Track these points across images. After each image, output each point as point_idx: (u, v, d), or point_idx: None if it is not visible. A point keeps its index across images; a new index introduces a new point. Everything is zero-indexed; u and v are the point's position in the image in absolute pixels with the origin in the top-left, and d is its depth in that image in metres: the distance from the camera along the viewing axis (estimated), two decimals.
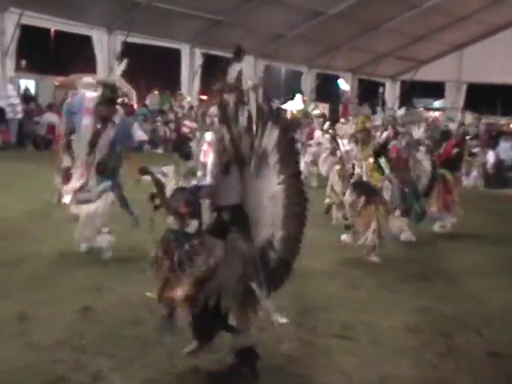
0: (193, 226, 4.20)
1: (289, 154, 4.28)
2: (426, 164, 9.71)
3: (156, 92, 26.10)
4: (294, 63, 29.19)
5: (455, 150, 10.54)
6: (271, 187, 4.24)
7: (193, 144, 15.59)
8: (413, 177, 9.40)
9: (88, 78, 8.15)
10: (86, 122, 7.07)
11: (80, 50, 23.30)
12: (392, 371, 4.73)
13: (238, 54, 4.31)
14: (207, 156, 4.20)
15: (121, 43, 22.57)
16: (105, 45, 22.26)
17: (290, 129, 4.76)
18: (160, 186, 4.30)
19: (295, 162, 4.39)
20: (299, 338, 5.27)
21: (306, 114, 18.41)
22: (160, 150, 22.56)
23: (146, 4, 21.21)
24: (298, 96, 25.85)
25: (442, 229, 10.39)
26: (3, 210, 9.56)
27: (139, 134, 22.13)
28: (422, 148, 9.77)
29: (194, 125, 23.52)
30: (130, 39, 22.74)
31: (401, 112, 13.13)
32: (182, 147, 22.78)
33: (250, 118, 4.08)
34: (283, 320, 4.20)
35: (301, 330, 5.45)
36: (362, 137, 8.17)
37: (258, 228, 4.27)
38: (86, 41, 22.38)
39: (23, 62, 23.59)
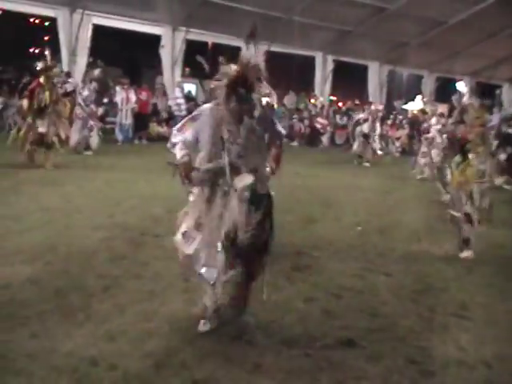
0: None
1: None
2: None
3: (293, 93, 26.13)
4: (416, 68, 28.35)
5: None
6: None
7: (323, 138, 15.24)
8: None
9: None
10: None
11: (233, 60, 23.70)
12: (507, 350, 4.49)
13: (253, 35, 4.26)
14: None
15: (264, 52, 22.67)
16: (252, 54, 22.52)
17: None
18: None
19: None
20: (419, 314, 5.12)
21: (424, 112, 17.92)
22: (295, 143, 22.68)
23: (286, 18, 21.59)
24: (418, 97, 25.22)
25: None
26: None
27: (279, 128, 22.39)
28: None
29: (326, 121, 23.74)
30: (273, 48, 23.03)
31: None
32: (314, 140, 23.14)
33: None
34: None
35: (420, 307, 5.30)
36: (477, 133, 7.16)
37: None
38: (236, 51, 22.69)
39: (187, 70, 24.61)
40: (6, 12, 21.43)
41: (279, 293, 5.32)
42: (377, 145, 17.88)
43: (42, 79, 11.76)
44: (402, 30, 23.09)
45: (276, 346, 4.23)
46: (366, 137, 17.53)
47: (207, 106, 4.45)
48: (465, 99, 7.60)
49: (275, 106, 20.77)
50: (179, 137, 4.35)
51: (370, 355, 4.19)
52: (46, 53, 12.59)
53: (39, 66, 12.10)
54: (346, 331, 4.57)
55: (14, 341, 4.06)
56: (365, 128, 17.61)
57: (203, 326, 4.36)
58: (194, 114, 4.51)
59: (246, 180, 4.17)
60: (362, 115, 18.76)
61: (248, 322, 4.49)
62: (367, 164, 17.22)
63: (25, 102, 11.87)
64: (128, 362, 3.85)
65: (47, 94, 11.69)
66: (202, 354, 4.03)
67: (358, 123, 18.59)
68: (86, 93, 15.35)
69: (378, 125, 18.07)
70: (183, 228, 4.35)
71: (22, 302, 4.73)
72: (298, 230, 7.88)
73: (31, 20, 29.54)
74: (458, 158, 7.24)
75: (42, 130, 11.55)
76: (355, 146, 17.87)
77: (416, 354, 4.28)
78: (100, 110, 16.40)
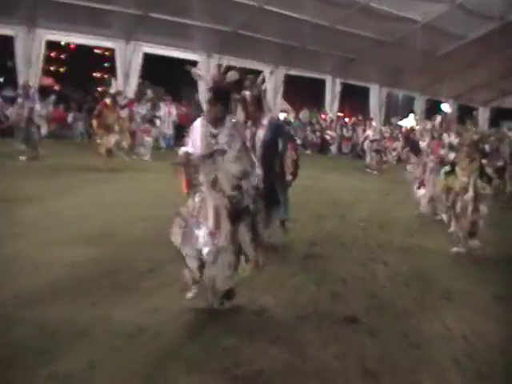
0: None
1: None
2: None
3: (306, 109, 26.12)
4: (410, 90, 28.15)
5: None
6: None
7: (332, 148, 15.09)
8: None
9: None
10: None
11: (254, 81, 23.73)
12: (482, 327, 4.44)
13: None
14: None
15: (283, 75, 23.12)
16: (272, 77, 22.74)
17: None
18: None
19: None
20: (411, 296, 5.08)
21: (412, 129, 18.06)
22: (308, 151, 22.63)
23: (301, 47, 21.51)
24: (411, 115, 25.16)
25: None
26: None
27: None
28: None
29: (334, 134, 23.73)
30: (291, 72, 23.19)
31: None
32: (324, 149, 23.13)
33: None
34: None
35: (412, 291, 5.25)
36: (469, 150, 6.78)
37: None
38: (260, 74, 22.78)
39: None
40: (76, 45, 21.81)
41: (294, 277, 5.31)
42: (390, 157, 18.05)
43: (108, 101, 11.82)
44: (398, 58, 22.90)
45: (291, 322, 4.22)
46: (378, 151, 17.58)
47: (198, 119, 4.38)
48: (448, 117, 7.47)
49: (292, 119, 20.76)
50: (183, 149, 4.32)
51: (370, 330, 4.17)
52: (113, 80, 13.10)
53: (112, 90, 12.20)
54: (350, 310, 4.54)
55: (78, 308, 4.12)
56: (375, 145, 17.68)
57: (188, 295, 4.24)
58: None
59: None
60: (369, 132, 18.72)
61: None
62: (375, 173, 16.95)
63: (94, 122, 11.91)
64: (169, 331, 3.86)
65: (112, 114, 11.79)
66: (229, 327, 4.02)
67: (366, 138, 18.60)
68: (143, 111, 15.62)
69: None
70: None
71: (84, 278, 4.78)
72: (310, 225, 7.83)
73: (95, 50, 29.94)
74: (447, 168, 7.13)
75: (109, 144, 11.60)
76: (368, 159, 17.77)
77: (408, 330, 4.25)
78: (153, 130, 16.43)
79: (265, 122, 6.01)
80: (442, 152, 8.50)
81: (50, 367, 3.27)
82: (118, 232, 6.50)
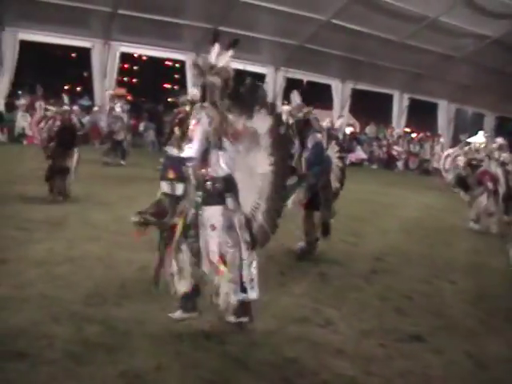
0: (180, 188, 3.73)
1: (280, 141, 3.84)
2: None
3: (373, 124, 25.81)
4: (479, 107, 27.35)
5: None
6: (261, 166, 3.80)
7: (398, 163, 14.69)
8: None
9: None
10: None
11: (323, 94, 23.81)
12: None
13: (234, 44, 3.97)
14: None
15: (350, 89, 23.02)
16: (339, 90, 22.79)
17: (281, 121, 4.27)
18: None
19: (285, 149, 4.00)
20: (477, 316, 4.91)
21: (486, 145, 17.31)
22: (375, 166, 22.34)
23: (368, 61, 21.37)
24: (480, 133, 24.44)
25: None
26: None
27: (360, 153, 22.23)
28: None
29: (401, 149, 23.26)
30: (358, 86, 23.03)
31: None
32: (391, 165, 22.69)
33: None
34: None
35: (479, 311, 5.08)
36: None
37: (244, 198, 3.84)
38: (327, 87, 23.07)
39: (285, 103, 25.02)
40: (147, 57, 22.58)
41: (358, 291, 5.26)
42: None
43: (188, 108, 12.08)
44: (467, 74, 22.48)
45: (356, 336, 4.17)
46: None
47: None
48: None
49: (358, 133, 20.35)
50: None
51: (434, 349, 4.08)
52: (190, 90, 13.62)
53: (190, 97, 12.50)
54: (415, 327, 4.45)
55: (147, 311, 4.23)
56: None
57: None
58: None
59: None
60: (451, 150, 18.17)
61: None
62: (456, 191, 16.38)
63: (177, 130, 12.16)
64: (233, 339, 3.89)
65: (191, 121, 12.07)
66: (293, 337, 4.03)
67: (448, 157, 18.04)
68: None
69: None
70: None
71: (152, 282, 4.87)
72: (375, 239, 7.72)
73: (166, 62, 30.85)
74: None
75: None
76: (449, 177, 17.22)
77: (474, 350, 4.13)
78: None
79: (311, 143, 6.09)
80: None
81: (119, 366, 3.37)
82: None
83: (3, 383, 3.11)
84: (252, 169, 3.86)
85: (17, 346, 3.51)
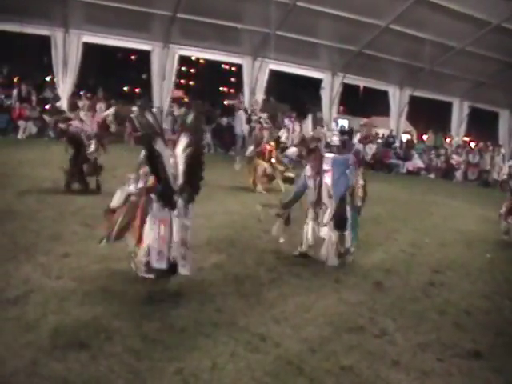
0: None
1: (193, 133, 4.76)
2: None
3: (431, 132, 25.30)
4: None
5: None
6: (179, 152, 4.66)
7: (457, 173, 14.20)
8: None
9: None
10: None
11: (379, 101, 23.62)
12: None
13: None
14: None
15: (408, 96, 22.70)
16: (397, 97, 22.52)
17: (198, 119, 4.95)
18: None
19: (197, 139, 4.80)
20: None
21: None
22: (432, 176, 21.74)
23: (428, 68, 21.08)
24: None
25: None
26: None
27: (418, 162, 21.79)
28: None
29: (460, 159, 22.59)
30: (416, 93, 22.65)
31: None
32: (449, 175, 22.10)
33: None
34: None
35: None
36: None
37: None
38: (384, 94, 22.78)
39: (341, 108, 24.88)
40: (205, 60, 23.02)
41: (416, 303, 5.17)
42: None
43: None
44: None
45: (412, 348, 4.11)
46: None
47: None
48: None
49: (415, 142, 19.97)
50: None
51: (494, 367, 3.96)
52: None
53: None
54: (474, 344, 4.33)
55: (203, 312, 4.31)
56: None
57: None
58: None
59: None
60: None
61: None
62: None
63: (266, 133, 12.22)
64: (289, 343, 3.92)
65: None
66: (348, 345, 4.01)
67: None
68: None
69: None
70: None
71: (209, 283, 4.99)
72: (434, 252, 7.54)
73: (222, 66, 31.32)
74: None
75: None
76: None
77: None
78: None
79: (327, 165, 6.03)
80: None
81: (175, 363, 3.46)
82: (243, 241, 6.71)
83: (65, 372, 3.23)
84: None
85: (79, 337, 3.65)
